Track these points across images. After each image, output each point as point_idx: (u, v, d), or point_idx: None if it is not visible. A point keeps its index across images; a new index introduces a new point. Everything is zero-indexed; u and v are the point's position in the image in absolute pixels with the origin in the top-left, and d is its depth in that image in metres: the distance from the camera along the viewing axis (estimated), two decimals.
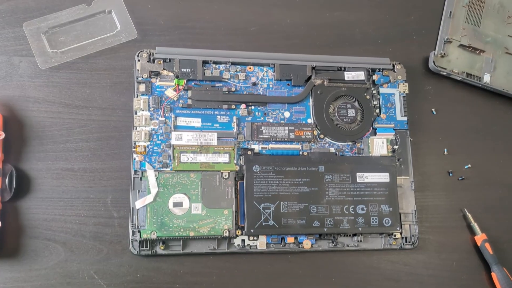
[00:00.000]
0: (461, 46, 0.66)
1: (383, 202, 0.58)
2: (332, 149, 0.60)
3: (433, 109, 0.65)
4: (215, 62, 0.59)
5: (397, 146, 0.61)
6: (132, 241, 0.53)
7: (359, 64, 0.62)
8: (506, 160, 0.65)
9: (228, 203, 0.55)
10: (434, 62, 0.65)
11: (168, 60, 0.58)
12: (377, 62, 0.63)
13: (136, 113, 0.56)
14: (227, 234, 0.54)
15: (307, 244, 0.56)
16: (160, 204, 0.54)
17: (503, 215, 0.63)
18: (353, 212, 0.57)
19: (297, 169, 0.57)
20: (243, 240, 0.55)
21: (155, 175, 0.55)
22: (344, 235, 0.58)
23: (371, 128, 0.61)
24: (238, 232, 0.55)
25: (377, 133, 0.61)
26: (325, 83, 0.61)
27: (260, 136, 0.58)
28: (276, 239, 0.56)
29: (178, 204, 0.54)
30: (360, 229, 0.57)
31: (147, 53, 0.58)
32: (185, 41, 0.62)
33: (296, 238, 0.56)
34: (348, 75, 0.62)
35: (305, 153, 0.59)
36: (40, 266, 0.53)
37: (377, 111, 0.62)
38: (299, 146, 0.59)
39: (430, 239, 0.61)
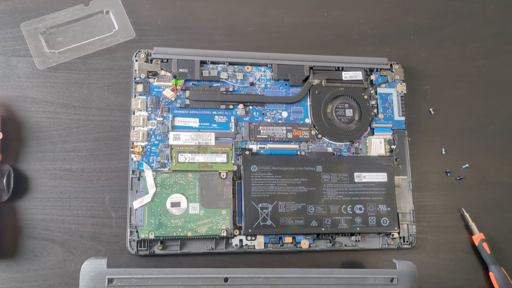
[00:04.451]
0: None
1: (381, 202, 0.58)
2: (330, 149, 0.60)
3: (430, 109, 0.65)
4: (212, 62, 0.60)
5: (395, 146, 0.61)
6: (130, 241, 0.53)
7: (356, 64, 0.62)
8: (503, 159, 0.65)
9: (226, 203, 0.55)
10: None
11: (165, 60, 0.58)
12: (375, 62, 0.63)
13: (134, 113, 0.56)
14: (225, 234, 0.54)
15: (305, 244, 0.56)
16: (158, 204, 0.54)
17: (500, 215, 0.63)
18: (351, 212, 0.57)
19: (295, 169, 0.57)
20: (241, 240, 0.55)
21: (153, 175, 0.55)
22: (342, 235, 0.58)
23: (368, 128, 0.61)
24: (236, 232, 0.55)
25: (375, 133, 0.61)
26: (322, 83, 0.61)
27: (257, 136, 0.58)
28: (274, 239, 0.56)
29: (176, 204, 0.54)
30: (358, 229, 0.57)
31: (145, 53, 0.58)
32: (182, 41, 0.62)
33: (294, 238, 0.56)
34: (346, 75, 0.62)
35: (303, 153, 0.59)
36: (38, 267, 0.53)
37: (375, 111, 0.62)
38: (297, 146, 0.59)
39: (428, 239, 0.61)
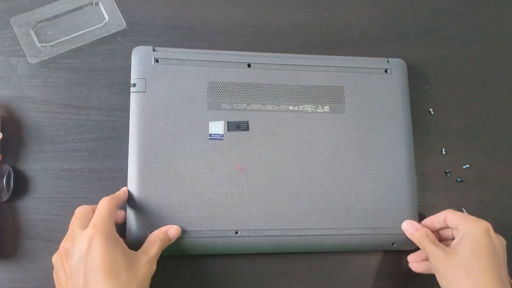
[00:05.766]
0: None
1: None
2: None
3: (430, 109, 0.65)
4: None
5: None
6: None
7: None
8: (503, 159, 0.65)
9: None
10: None
11: None
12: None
13: None
14: None
15: None
16: None
17: (501, 215, 0.63)
18: None
19: None
20: None
21: None
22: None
23: None
24: None
25: None
26: None
27: None
28: None
29: None
30: None
31: None
32: (182, 41, 0.62)
33: None
34: None
35: None
36: (38, 267, 0.53)
37: None
38: None
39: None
